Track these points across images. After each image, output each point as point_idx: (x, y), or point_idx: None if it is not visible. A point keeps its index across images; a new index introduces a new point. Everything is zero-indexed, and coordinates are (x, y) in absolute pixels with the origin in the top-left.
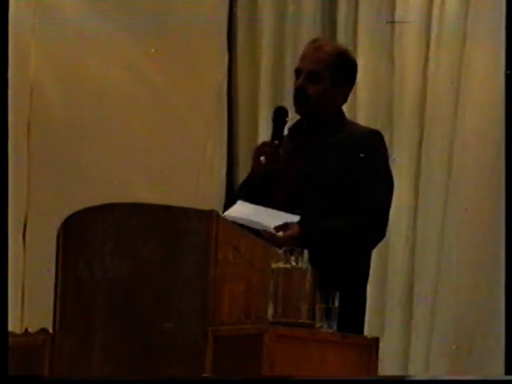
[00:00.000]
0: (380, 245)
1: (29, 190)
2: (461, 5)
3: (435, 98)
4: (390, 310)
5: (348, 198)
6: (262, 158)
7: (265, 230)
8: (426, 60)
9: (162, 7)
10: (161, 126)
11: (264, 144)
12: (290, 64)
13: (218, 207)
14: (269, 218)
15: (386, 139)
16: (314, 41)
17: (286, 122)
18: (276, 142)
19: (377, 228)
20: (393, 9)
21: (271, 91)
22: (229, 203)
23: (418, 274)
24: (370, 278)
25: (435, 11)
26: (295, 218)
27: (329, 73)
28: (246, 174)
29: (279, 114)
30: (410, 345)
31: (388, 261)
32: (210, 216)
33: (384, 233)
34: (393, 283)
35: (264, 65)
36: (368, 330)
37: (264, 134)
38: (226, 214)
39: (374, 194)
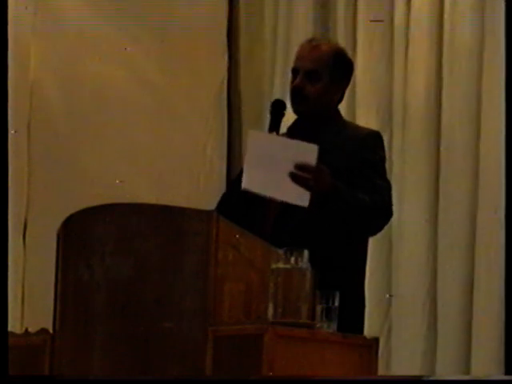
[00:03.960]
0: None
1: (29, 190)
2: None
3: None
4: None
5: None
6: None
7: (299, 164)
8: (438, 62)
9: (163, 7)
10: (161, 126)
11: None
12: (291, 63)
13: None
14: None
15: (386, 139)
16: (310, 40)
17: (283, 114)
18: (273, 133)
19: (387, 208)
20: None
21: (271, 91)
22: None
23: (441, 275)
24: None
25: (446, 10)
26: (313, 148)
27: (327, 72)
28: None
29: (277, 107)
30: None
31: (411, 262)
32: (210, 216)
33: (391, 214)
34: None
35: (264, 64)
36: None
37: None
38: (245, 187)
39: (376, 189)
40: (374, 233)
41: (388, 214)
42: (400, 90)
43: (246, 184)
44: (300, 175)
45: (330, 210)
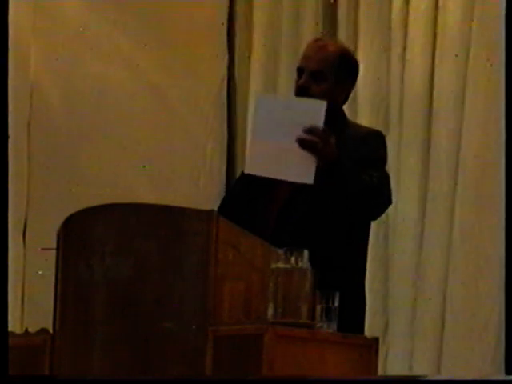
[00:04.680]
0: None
1: (29, 190)
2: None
3: (440, 98)
4: (394, 309)
5: None
6: None
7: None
8: (432, 57)
9: (163, 7)
10: (161, 126)
11: None
12: (290, 63)
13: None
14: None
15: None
16: (317, 40)
17: None
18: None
19: (386, 196)
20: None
21: (271, 91)
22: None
23: (424, 272)
24: (374, 278)
25: (440, 9)
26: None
27: (332, 72)
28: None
29: None
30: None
31: (394, 260)
32: (210, 216)
33: (389, 203)
34: (398, 283)
35: (264, 64)
36: (371, 331)
37: None
38: (247, 171)
39: (373, 177)
40: (372, 214)
41: (385, 197)
42: (397, 89)
43: (248, 168)
44: (308, 139)
45: (333, 183)
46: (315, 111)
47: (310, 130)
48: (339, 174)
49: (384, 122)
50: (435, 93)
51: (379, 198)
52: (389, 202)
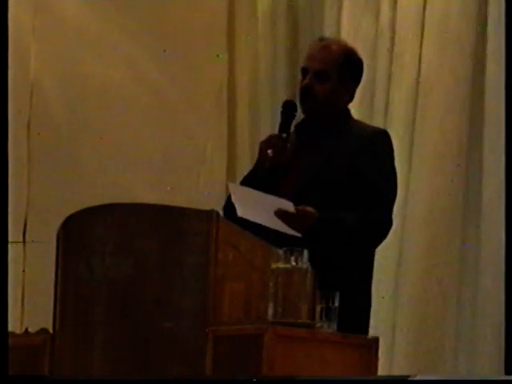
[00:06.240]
0: None
1: (29, 190)
2: None
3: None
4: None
5: (353, 198)
6: (270, 151)
7: (279, 209)
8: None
9: (163, 8)
10: (161, 126)
11: (272, 137)
12: (291, 63)
13: (218, 207)
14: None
15: None
16: (321, 39)
17: (294, 115)
18: (284, 134)
19: (383, 224)
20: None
21: (271, 91)
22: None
23: (403, 271)
24: None
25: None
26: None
27: (336, 72)
28: (246, 174)
29: (287, 108)
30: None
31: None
32: (210, 216)
33: (389, 227)
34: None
35: (264, 64)
36: None
37: (264, 134)
38: (240, 215)
39: (379, 194)
40: (372, 248)
41: (383, 230)
42: (384, 84)
43: (240, 213)
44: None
45: (322, 240)
46: (285, 205)
47: (282, 214)
48: (323, 233)
49: (369, 116)
50: (421, 86)
51: (371, 238)
52: (385, 229)
